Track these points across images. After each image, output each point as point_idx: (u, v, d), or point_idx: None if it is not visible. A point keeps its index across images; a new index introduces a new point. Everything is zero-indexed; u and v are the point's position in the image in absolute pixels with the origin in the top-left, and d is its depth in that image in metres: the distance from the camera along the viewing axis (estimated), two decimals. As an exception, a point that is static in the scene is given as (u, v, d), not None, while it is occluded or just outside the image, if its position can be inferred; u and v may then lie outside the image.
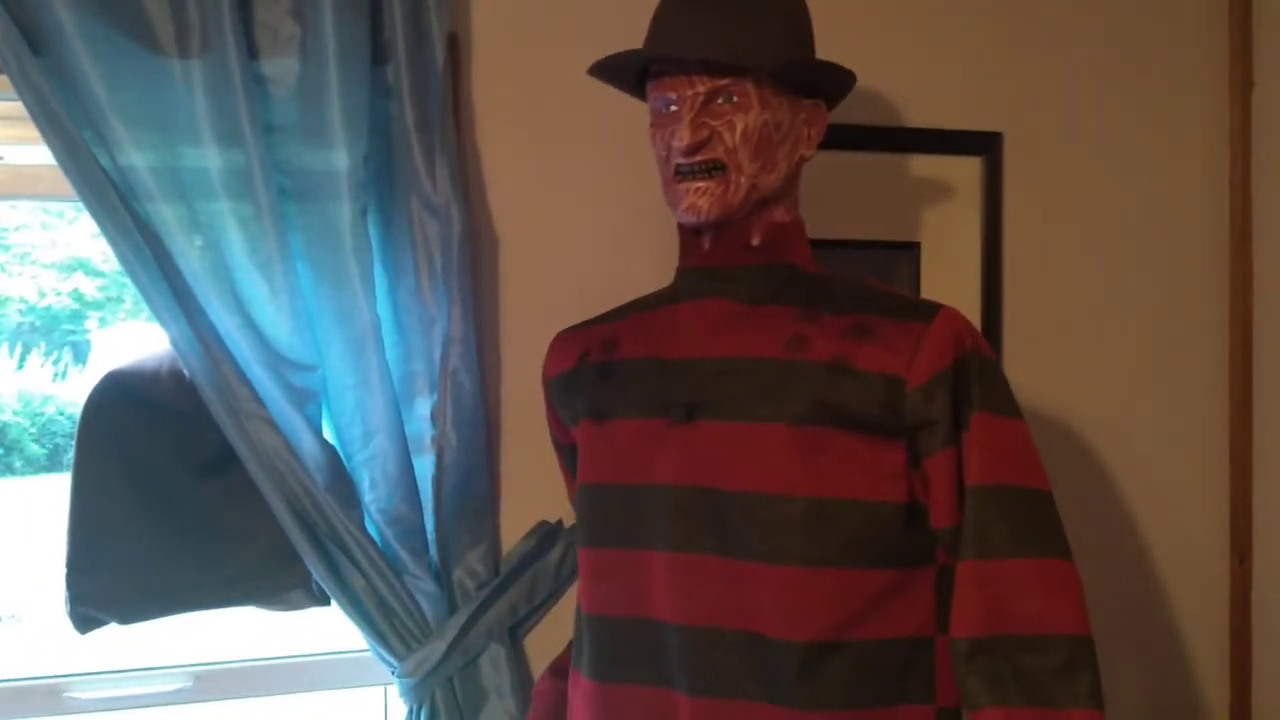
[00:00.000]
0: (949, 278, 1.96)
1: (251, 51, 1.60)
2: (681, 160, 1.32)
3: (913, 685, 1.31)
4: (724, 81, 1.30)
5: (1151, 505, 2.10)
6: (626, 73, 1.41)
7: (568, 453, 1.58)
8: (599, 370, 1.45)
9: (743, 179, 1.32)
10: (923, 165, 1.96)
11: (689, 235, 1.41)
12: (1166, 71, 2.10)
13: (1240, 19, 2.09)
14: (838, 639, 1.27)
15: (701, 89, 1.31)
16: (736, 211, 1.33)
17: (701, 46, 1.31)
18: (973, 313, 1.97)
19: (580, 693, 1.43)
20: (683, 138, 1.30)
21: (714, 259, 1.38)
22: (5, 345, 10.40)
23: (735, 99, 1.31)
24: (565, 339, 1.54)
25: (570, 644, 1.58)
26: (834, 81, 1.40)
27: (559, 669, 1.59)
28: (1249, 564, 2.11)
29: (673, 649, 1.33)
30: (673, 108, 1.34)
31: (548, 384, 1.54)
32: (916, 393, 1.27)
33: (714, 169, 1.31)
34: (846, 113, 1.89)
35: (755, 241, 1.37)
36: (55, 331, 10.78)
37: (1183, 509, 2.13)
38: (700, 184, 1.32)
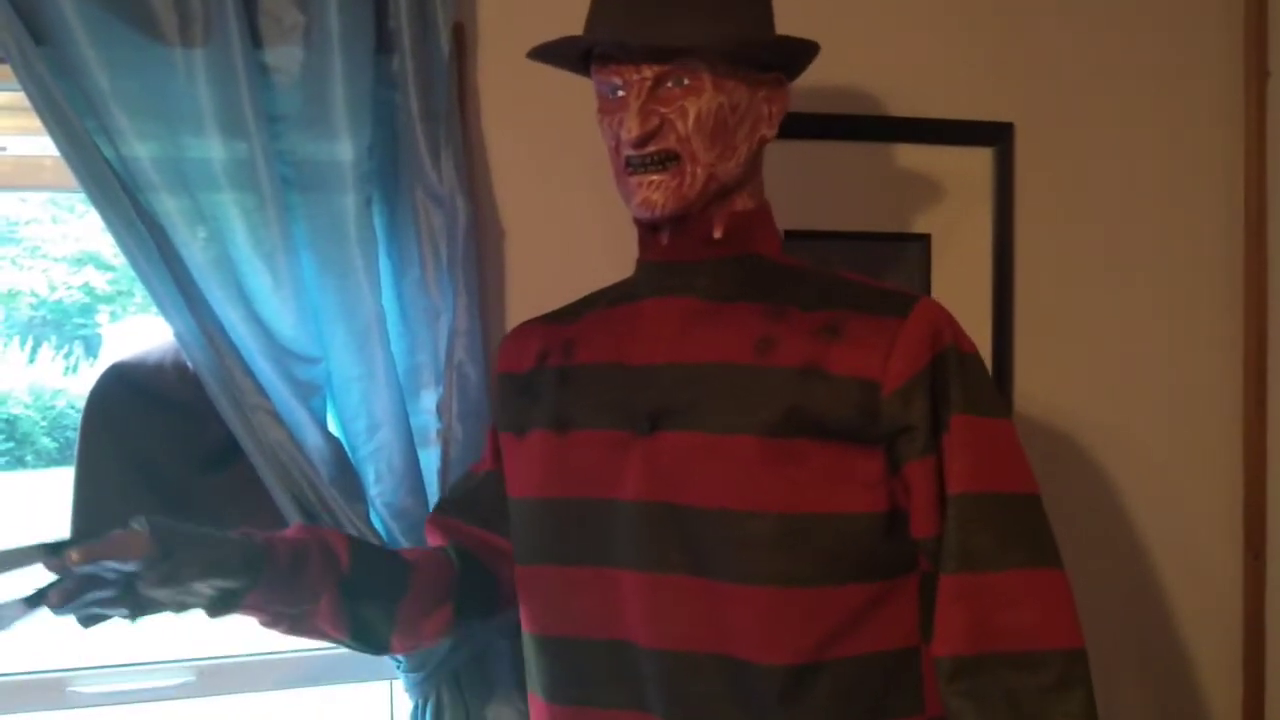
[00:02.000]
0: (959, 271, 1.94)
1: (255, 40, 1.58)
2: (631, 152, 1.23)
3: (900, 698, 1.24)
4: (672, 65, 1.21)
5: (1165, 500, 2.08)
6: (570, 56, 1.31)
7: (494, 445, 1.49)
8: (559, 375, 1.37)
9: (699, 169, 1.23)
10: (933, 156, 1.94)
11: (646, 229, 1.32)
12: (1181, 62, 2.08)
13: (1256, 9, 2.07)
14: (819, 659, 1.20)
15: (648, 74, 1.22)
16: (694, 204, 1.25)
17: (643, 29, 1.21)
18: (983, 306, 1.95)
19: (546, 717, 1.36)
20: (631, 129, 1.21)
21: (674, 254, 1.30)
22: (16, 339, 10.43)
23: (686, 82, 1.22)
24: (525, 334, 1.46)
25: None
26: (793, 54, 1.30)
27: (317, 530, 1.35)
28: (1263, 559, 2.09)
29: (647, 673, 1.26)
30: (620, 93, 1.25)
31: (499, 377, 1.47)
32: (893, 397, 1.20)
33: (667, 160, 1.22)
34: (856, 103, 1.88)
35: (717, 234, 1.28)
36: (66, 325, 10.81)
37: (1196, 504, 2.10)
38: (653, 177, 1.23)
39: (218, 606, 1.19)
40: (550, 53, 1.31)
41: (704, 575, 1.22)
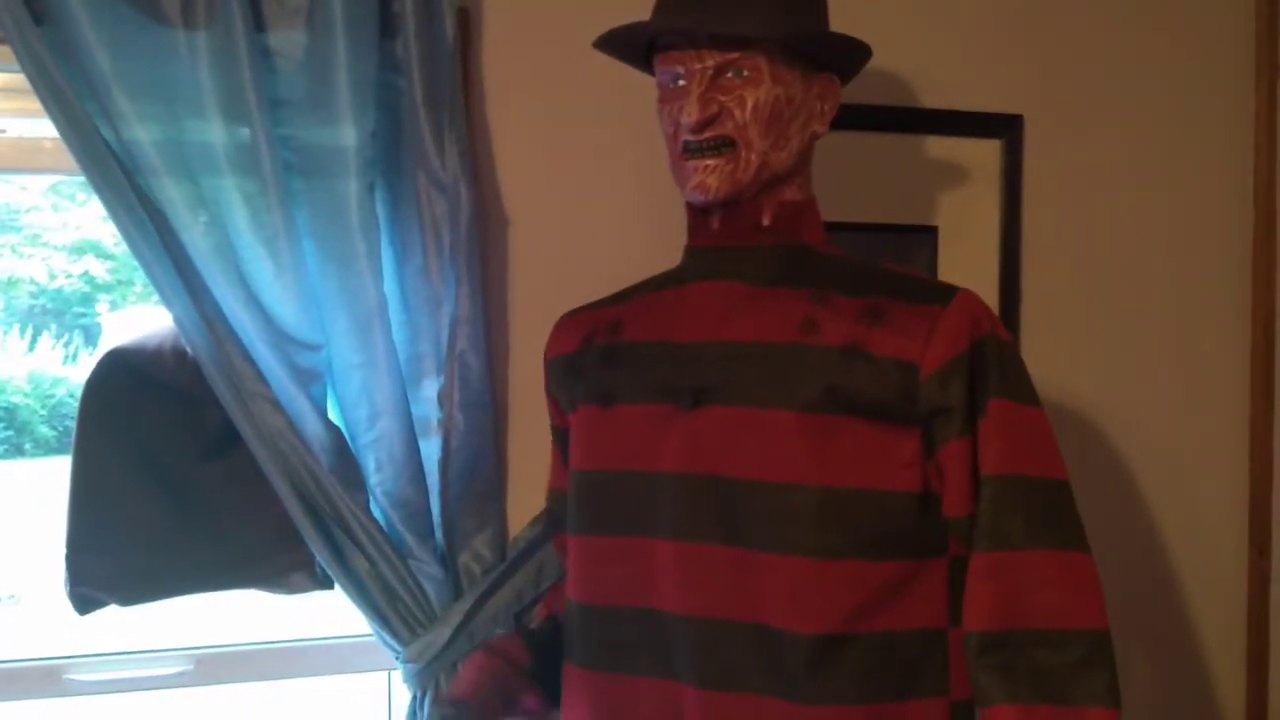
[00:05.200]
0: (967, 262, 1.92)
1: (258, 24, 1.57)
2: (690, 137, 1.28)
3: (925, 678, 1.27)
4: (733, 55, 1.26)
5: (1170, 496, 2.07)
6: (633, 46, 1.37)
7: (561, 436, 1.54)
8: (604, 353, 1.41)
9: (753, 156, 1.28)
10: (942, 147, 1.92)
11: (697, 214, 1.37)
12: (1191, 55, 2.06)
13: (1267, 3, 2.05)
14: (848, 632, 1.24)
15: (710, 63, 1.27)
16: (747, 190, 1.30)
17: (710, 19, 1.26)
18: (990, 298, 1.94)
19: (578, 684, 1.40)
20: (691, 113, 1.26)
21: (723, 239, 1.35)
22: (16, 327, 10.41)
23: (745, 73, 1.27)
24: (570, 321, 1.51)
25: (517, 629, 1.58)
26: (848, 54, 1.36)
27: (493, 648, 1.47)
28: (1268, 556, 2.08)
29: (679, 641, 1.29)
30: (680, 82, 1.30)
31: (549, 363, 1.51)
32: (931, 379, 1.24)
33: (723, 146, 1.27)
34: (865, 93, 1.86)
35: (766, 221, 1.33)
36: (66, 314, 10.78)
37: (1202, 500, 2.09)
38: (709, 162, 1.28)
39: None
40: (613, 42, 1.36)
41: (739, 545, 1.26)
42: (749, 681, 1.26)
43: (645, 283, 1.49)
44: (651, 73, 1.37)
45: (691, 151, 1.28)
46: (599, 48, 1.37)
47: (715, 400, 1.29)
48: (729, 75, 1.27)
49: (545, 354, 1.52)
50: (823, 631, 1.23)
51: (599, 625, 1.37)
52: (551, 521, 1.61)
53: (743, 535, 1.26)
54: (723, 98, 1.27)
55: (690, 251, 1.40)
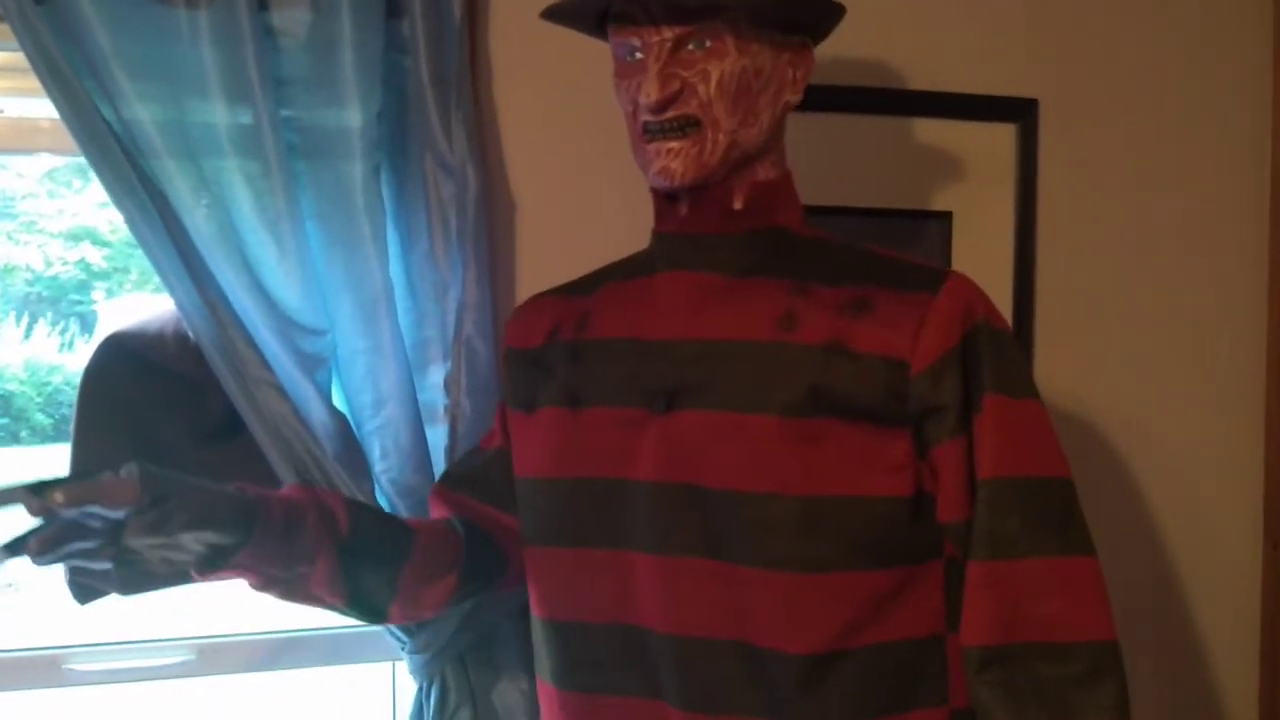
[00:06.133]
0: (981, 249, 1.90)
1: (261, 2, 1.54)
2: (649, 117, 1.18)
3: (923, 688, 1.19)
4: (694, 26, 1.16)
5: (1184, 488, 2.05)
6: (585, 16, 1.26)
7: (502, 416, 1.44)
8: (572, 351, 1.32)
9: (720, 136, 1.18)
10: (955, 132, 1.89)
11: (663, 199, 1.27)
12: (1210, 42, 2.03)
13: (1285, -14, 2.03)
14: (841, 647, 1.16)
15: (669, 35, 1.16)
16: (715, 173, 1.20)
17: None
18: (1004, 285, 1.92)
19: (556, 704, 1.31)
20: (649, 93, 1.16)
21: (693, 225, 1.25)
22: (12, 314, 10.39)
23: (708, 44, 1.16)
24: (536, 308, 1.42)
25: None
26: (820, 16, 1.26)
27: (316, 494, 1.30)
28: (1283, 549, 2.06)
29: (662, 659, 1.21)
30: (638, 55, 1.19)
31: (507, 352, 1.42)
32: (923, 376, 1.15)
33: (687, 126, 1.17)
34: (878, 76, 1.84)
35: (738, 205, 1.24)
36: (62, 301, 10.76)
37: (1216, 492, 2.07)
38: (672, 144, 1.17)
39: (206, 564, 1.14)
40: (564, 13, 1.26)
41: (721, 559, 1.18)
42: (736, 702, 1.18)
43: (613, 268, 1.40)
44: (606, 40, 1.27)
45: (652, 133, 1.18)
46: (548, 19, 1.27)
47: (690, 403, 1.21)
48: (690, 47, 1.17)
49: (505, 341, 1.43)
50: (813, 651, 1.16)
51: (575, 643, 1.28)
52: (461, 473, 1.47)
53: (724, 548, 1.18)
54: (684, 73, 1.17)
55: (658, 237, 1.30)
